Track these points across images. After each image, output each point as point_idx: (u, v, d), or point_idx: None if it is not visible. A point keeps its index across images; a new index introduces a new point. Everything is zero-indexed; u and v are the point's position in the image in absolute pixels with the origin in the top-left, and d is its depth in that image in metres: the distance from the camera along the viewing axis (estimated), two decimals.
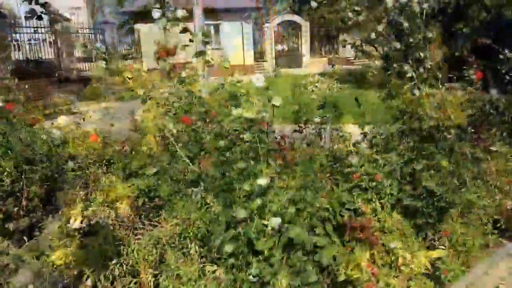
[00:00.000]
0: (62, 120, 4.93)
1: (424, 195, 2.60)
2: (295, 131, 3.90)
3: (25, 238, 3.32)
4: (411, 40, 2.82)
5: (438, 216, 2.57)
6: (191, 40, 2.37)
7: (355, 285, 2.26)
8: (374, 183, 2.72)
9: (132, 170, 4.75)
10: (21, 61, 18.84)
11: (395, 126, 3.00)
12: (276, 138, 3.15)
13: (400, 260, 2.42)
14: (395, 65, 2.86)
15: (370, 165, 2.73)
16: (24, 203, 3.42)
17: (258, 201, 1.87)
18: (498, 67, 4.43)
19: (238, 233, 1.84)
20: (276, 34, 28.49)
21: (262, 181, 1.83)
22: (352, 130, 4.50)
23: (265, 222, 1.97)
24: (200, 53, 2.66)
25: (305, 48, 27.90)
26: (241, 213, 1.77)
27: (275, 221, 1.84)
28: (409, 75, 2.79)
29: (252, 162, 1.95)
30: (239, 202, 1.90)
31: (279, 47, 34.48)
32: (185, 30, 2.36)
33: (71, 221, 3.74)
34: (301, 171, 2.21)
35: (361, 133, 3.20)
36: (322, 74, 15.81)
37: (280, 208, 2.02)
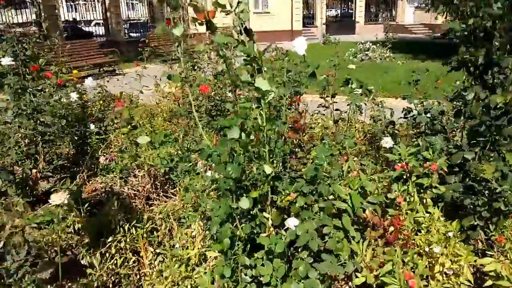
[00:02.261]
0: (88, 81, 4.81)
1: (475, 191, 2.12)
2: (320, 105, 3.44)
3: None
4: None
5: (492, 219, 2.10)
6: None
7: None
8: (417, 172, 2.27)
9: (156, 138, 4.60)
10: (70, 21, 19.33)
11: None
12: (300, 113, 2.75)
13: (437, 268, 2.00)
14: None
15: (407, 150, 2.27)
16: (40, 165, 3.33)
17: (264, 188, 1.54)
18: None
19: (235, 227, 1.53)
20: None
21: (267, 169, 1.48)
22: (400, 105, 3.96)
23: (266, 215, 1.64)
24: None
25: (359, 13, 26.22)
26: (245, 203, 1.45)
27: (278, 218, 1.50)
28: None
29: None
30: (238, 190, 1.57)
31: (332, 12, 32.76)
32: None
33: (87, 187, 3.66)
34: (315, 156, 1.82)
35: (405, 109, 2.69)
36: (375, 42, 14.70)
37: (284, 199, 1.68)
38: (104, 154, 3.99)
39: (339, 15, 31.20)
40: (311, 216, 1.77)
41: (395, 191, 2.26)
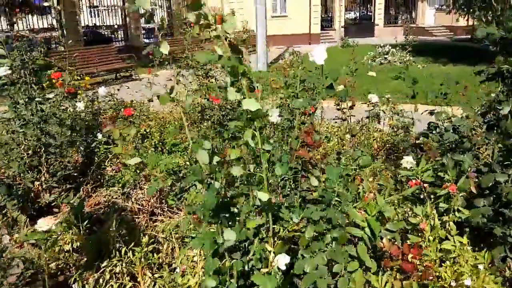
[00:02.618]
0: (101, 91, 4.73)
1: (506, 218, 1.88)
2: (336, 118, 3.23)
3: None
4: None
5: None
6: None
7: None
8: (439, 193, 2.05)
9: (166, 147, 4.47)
10: (90, 26, 19.62)
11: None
12: (314, 127, 2.54)
13: None
14: None
15: (422, 167, 2.04)
16: (43, 178, 3.23)
17: (257, 221, 1.35)
18: None
19: (223, 264, 1.34)
20: (347, 0, 26.63)
21: (263, 196, 1.29)
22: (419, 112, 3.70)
23: (268, 248, 1.45)
24: None
25: (378, 15, 25.77)
26: (230, 236, 1.26)
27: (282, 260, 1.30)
28: None
29: (251, 167, 1.41)
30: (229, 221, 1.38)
31: (351, 14, 32.33)
32: None
33: (91, 199, 3.55)
34: (326, 178, 1.62)
35: (431, 125, 2.45)
36: (394, 45, 14.31)
37: (289, 230, 1.49)
38: (111, 165, 3.88)
39: (358, 17, 30.76)
40: (322, 247, 1.57)
41: (417, 215, 2.04)
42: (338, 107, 2.98)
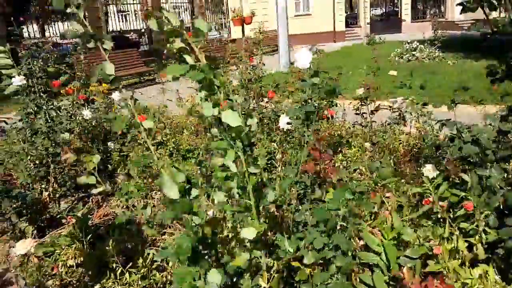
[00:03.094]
0: (115, 96, 4.68)
1: None
2: (355, 122, 2.99)
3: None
4: None
5: None
6: None
7: None
8: (459, 212, 1.81)
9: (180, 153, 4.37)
10: (117, 31, 19.97)
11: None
12: (320, 137, 2.35)
13: None
14: None
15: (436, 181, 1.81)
16: (51, 188, 3.18)
17: (244, 257, 1.17)
18: None
19: None
20: None
21: (248, 234, 1.10)
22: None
23: (263, 284, 1.28)
24: None
25: (405, 10, 24.97)
26: (215, 278, 1.09)
27: None
28: None
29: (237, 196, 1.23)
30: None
31: (377, 10, 31.51)
32: None
33: (100, 210, 3.48)
34: (329, 200, 1.43)
35: (448, 136, 2.19)
36: (422, 41, 13.74)
37: (285, 263, 1.31)
38: (123, 173, 3.82)
39: (385, 13, 29.94)
40: (325, 279, 1.39)
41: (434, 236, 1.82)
42: (357, 111, 2.75)
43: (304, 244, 1.41)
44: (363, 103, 2.75)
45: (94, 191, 1.30)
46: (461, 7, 1.85)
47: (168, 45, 1.04)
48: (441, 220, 1.82)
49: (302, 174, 1.93)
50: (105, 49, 1.28)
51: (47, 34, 20.79)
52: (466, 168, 2.14)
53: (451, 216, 1.83)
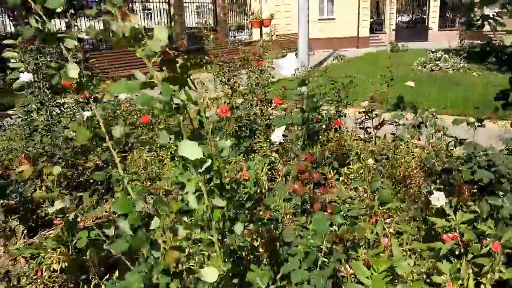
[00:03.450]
0: (121, 95, 4.64)
1: None
2: (358, 138, 2.81)
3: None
4: None
5: None
6: None
7: None
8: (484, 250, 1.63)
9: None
10: None
11: None
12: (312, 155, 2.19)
13: None
14: None
15: (462, 216, 1.62)
16: (44, 188, 3.12)
17: None
18: None
19: None
20: (399, 2, 25.41)
21: (208, 276, 0.95)
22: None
23: None
24: None
25: (432, 18, 24.34)
26: None
27: None
28: None
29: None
30: None
31: (404, 17, 30.85)
32: None
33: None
34: (312, 230, 1.28)
35: (461, 158, 1.99)
36: (447, 50, 13.32)
37: None
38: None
39: (412, 20, 29.28)
40: None
41: (442, 274, 1.63)
42: (361, 125, 2.57)
43: (280, 277, 1.27)
44: (367, 117, 2.57)
45: (50, 209, 1.19)
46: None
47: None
48: (458, 256, 1.64)
49: (292, 193, 1.79)
50: (67, 49, 1.17)
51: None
52: (475, 191, 1.96)
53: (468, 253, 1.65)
